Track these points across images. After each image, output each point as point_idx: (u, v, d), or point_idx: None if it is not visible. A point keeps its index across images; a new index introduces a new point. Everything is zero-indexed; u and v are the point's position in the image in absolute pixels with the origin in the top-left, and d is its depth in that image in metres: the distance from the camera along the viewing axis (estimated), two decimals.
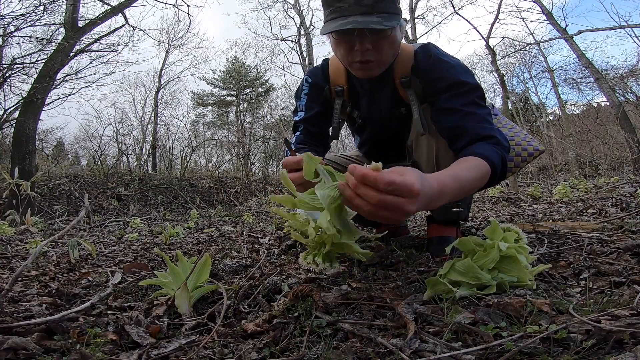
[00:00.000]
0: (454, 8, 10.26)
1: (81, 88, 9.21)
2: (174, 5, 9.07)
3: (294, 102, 1.44)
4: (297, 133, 1.37)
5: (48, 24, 7.58)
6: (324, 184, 0.78)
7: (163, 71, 17.67)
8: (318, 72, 1.36)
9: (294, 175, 0.92)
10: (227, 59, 24.43)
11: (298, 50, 16.98)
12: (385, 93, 1.28)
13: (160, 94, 17.22)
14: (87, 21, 7.41)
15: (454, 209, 1.27)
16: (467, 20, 9.72)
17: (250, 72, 23.15)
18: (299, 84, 1.43)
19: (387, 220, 0.70)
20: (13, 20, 6.91)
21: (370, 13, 1.03)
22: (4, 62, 7.30)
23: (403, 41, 1.22)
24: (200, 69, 27.98)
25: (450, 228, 1.33)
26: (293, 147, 1.30)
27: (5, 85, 7.29)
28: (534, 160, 1.46)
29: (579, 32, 8.75)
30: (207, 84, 23.72)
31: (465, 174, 0.89)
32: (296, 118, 1.38)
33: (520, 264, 0.81)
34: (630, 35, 9.76)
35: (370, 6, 1.03)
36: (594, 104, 13.85)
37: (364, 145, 1.54)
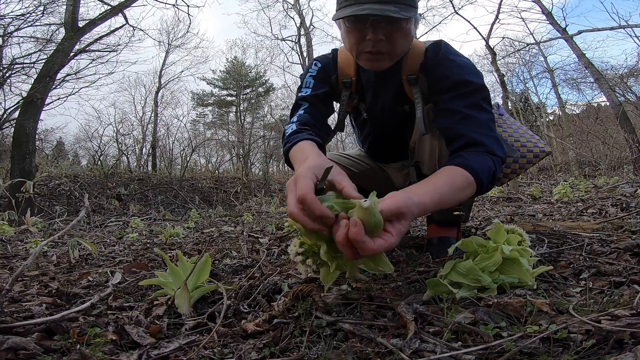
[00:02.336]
0: (454, 8, 10.26)
1: (81, 88, 9.24)
2: (174, 5, 9.08)
3: (300, 80, 1.34)
4: (300, 111, 1.21)
5: (48, 24, 7.60)
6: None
7: (163, 71, 17.70)
8: (329, 60, 1.31)
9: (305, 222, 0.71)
10: (227, 59, 24.45)
11: (298, 50, 17.00)
12: (391, 88, 1.25)
13: (160, 94, 17.24)
14: (87, 21, 7.42)
15: (455, 212, 1.26)
16: (467, 20, 9.74)
17: (250, 72, 23.16)
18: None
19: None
20: (13, 20, 6.92)
21: (387, 2, 0.99)
22: (4, 62, 7.30)
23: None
24: (200, 69, 28.03)
25: (450, 229, 1.32)
26: (295, 127, 1.13)
27: (5, 85, 7.30)
28: (539, 162, 1.44)
29: (579, 32, 8.75)
30: (207, 84, 23.76)
31: (449, 194, 0.88)
32: (301, 94, 1.27)
33: (522, 267, 0.81)
34: (630, 35, 9.76)
35: None
36: (594, 104, 13.86)
37: (365, 141, 1.51)
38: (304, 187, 0.68)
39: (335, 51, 1.33)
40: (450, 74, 1.10)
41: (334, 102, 1.33)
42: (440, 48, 1.16)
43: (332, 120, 1.36)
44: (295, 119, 1.18)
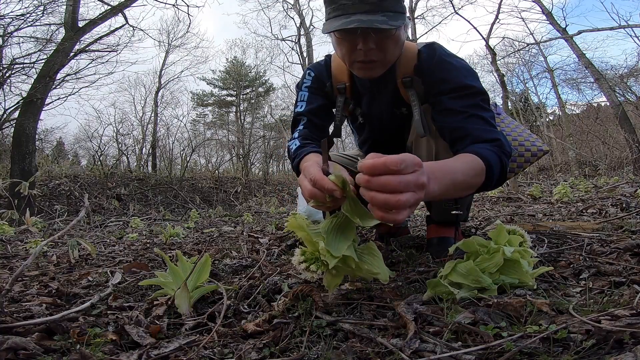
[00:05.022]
0: (454, 8, 10.26)
1: (81, 88, 9.25)
2: (173, 5, 9.08)
3: (295, 93, 1.38)
4: (300, 127, 1.27)
5: (48, 24, 7.60)
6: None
7: (163, 71, 17.70)
8: (321, 67, 1.32)
9: (315, 192, 0.77)
10: (227, 59, 24.48)
11: (298, 50, 17.01)
12: (387, 92, 1.25)
13: (160, 94, 17.23)
14: (87, 21, 7.42)
15: (453, 211, 1.25)
16: (467, 20, 9.73)
17: (250, 72, 23.17)
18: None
19: (408, 204, 0.64)
20: (13, 20, 6.92)
21: (374, 11, 1.00)
22: (4, 62, 7.30)
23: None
24: (200, 69, 28.13)
25: (450, 229, 1.32)
26: (298, 142, 1.20)
27: (5, 85, 7.29)
28: (537, 160, 1.44)
29: (579, 32, 8.75)
30: (207, 84, 23.75)
31: (454, 164, 0.86)
32: (298, 109, 1.31)
33: (522, 268, 0.81)
34: (630, 35, 9.77)
35: (375, 4, 1.00)
36: (594, 104, 13.87)
37: (364, 144, 1.52)
38: (314, 174, 0.76)
39: (328, 57, 1.34)
40: (449, 77, 1.10)
41: (333, 109, 1.34)
42: (435, 51, 1.16)
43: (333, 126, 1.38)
44: (296, 134, 1.24)
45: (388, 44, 1.07)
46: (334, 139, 1.35)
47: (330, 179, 0.72)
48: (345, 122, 1.51)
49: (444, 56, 1.14)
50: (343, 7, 1.02)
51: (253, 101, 23.00)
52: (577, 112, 14.91)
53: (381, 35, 1.05)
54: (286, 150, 1.28)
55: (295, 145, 1.20)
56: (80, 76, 8.56)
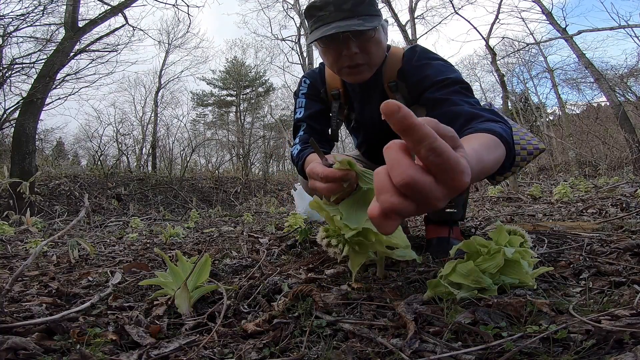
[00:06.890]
0: (454, 8, 10.26)
1: (81, 88, 9.26)
2: (174, 5, 9.08)
3: (293, 101, 1.44)
4: (300, 132, 1.30)
5: (48, 24, 7.59)
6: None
7: (163, 71, 17.71)
8: (316, 75, 1.37)
9: (330, 187, 0.76)
10: (227, 59, 24.51)
11: (298, 50, 17.00)
12: (376, 97, 1.28)
13: (160, 94, 17.24)
14: (87, 21, 7.42)
15: (447, 210, 1.26)
16: (467, 20, 9.71)
17: (250, 72, 23.17)
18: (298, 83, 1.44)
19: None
20: (13, 20, 6.91)
21: (350, 17, 1.06)
22: (4, 62, 7.29)
23: (395, 44, 1.24)
24: (200, 69, 28.18)
25: (448, 228, 1.33)
26: (299, 147, 1.22)
27: (5, 85, 7.29)
28: (534, 159, 1.44)
29: (579, 32, 8.75)
30: (207, 84, 23.74)
31: (487, 155, 0.74)
32: (297, 116, 1.35)
33: (522, 268, 0.81)
34: (630, 35, 9.76)
35: (350, 10, 1.06)
36: (594, 104, 13.86)
37: (361, 146, 1.55)
38: (320, 170, 0.77)
39: (322, 64, 1.38)
40: (427, 74, 1.13)
41: (330, 114, 1.37)
42: (415, 53, 1.19)
43: None
44: (297, 140, 1.29)
45: (370, 46, 1.12)
46: (332, 143, 1.38)
47: (336, 167, 0.74)
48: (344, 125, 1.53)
49: (422, 58, 1.18)
50: (321, 19, 1.09)
51: (253, 101, 23.00)
52: (577, 112, 14.91)
53: (362, 38, 1.10)
54: (290, 156, 1.33)
55: (297, 149, 1.24)
56: (80, 76, 8.55)
